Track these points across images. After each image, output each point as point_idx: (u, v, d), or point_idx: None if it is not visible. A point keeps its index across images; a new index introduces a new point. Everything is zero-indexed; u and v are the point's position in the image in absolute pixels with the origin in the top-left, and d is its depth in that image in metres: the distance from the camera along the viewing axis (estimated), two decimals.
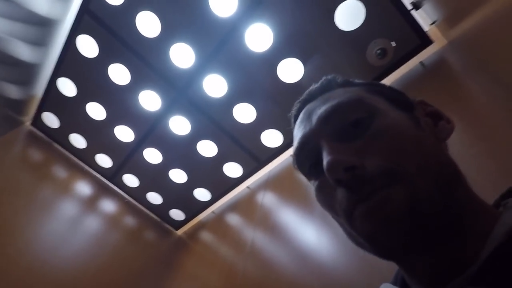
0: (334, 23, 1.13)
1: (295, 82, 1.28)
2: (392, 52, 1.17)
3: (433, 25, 1.12)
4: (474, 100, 0.89)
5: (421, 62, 1.17)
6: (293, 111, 0.43)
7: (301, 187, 1.31)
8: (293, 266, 1.03)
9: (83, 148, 1.77)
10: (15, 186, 1.58)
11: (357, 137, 0.33)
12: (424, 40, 1.13)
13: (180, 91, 1.41)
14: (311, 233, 1.08)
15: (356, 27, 1.14)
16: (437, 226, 0.28)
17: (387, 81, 1.22)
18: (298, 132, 0.38)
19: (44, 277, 1.46)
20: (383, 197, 0.28)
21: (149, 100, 1.47)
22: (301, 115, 0.40)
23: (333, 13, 1.12)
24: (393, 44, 1.15)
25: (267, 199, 1.44)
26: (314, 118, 0.36)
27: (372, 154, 0.31)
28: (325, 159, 0.31)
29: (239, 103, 1.37)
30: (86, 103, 1.56)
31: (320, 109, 0.36)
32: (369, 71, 1.22)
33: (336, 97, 0.37)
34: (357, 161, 0.30)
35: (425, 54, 1.17)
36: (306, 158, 0.37)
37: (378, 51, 1.17)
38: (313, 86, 0.42)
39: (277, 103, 1.35)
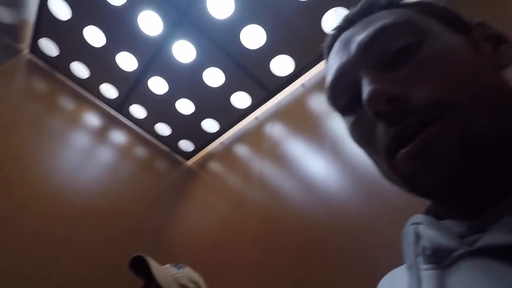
0: None
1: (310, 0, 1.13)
2: None
3: None
4: (509, 14, 0.77)
5: None
6: (327, 41, 0.38)
7: (311, 118, 1.26)
8: (301, 195, 1.05)
9: (87, 78, 1.71)
10: (23, 117, 1.58)
11: (403, 66, 0.29)
12: None
13: (182, 11, 1.28)
14: (319, 163, 1.06)
15: None
16: (491, 164, 0.25)
17: None
18: (333, 63, 0.34)
19: (65, 203, 1.56)
20: (431, 135, 0.25)
21: (150, 23, 1.35)
22: (337, 44, 0.35)
23: None
24: None
25: (276, 130, 1.41)
26: (353, 46, 0.32)
27: (420, 84, 0.27)
28: (366, 89, 0.28)
29: (247, 24, 1.24)
30: (83, 27, 1.45)
31: (360, 36, 0.32)
32: None
33: (379, 20, 0.31)
34: (402, 92, 0.27)
35: None
36: (342, 91, 0.33)
37: None
38: (351, 10, 0.36)
39: (289, 25, 1.22)
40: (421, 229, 0.29)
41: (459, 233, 0.25)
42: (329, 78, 0.34)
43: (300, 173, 1.12)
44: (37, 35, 1.57)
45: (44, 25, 1.51)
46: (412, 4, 0.34)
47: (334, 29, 0.37)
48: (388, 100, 0.26)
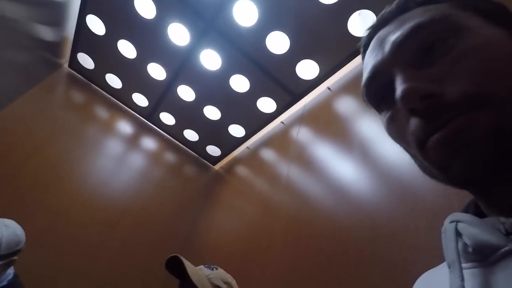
0: None
1: (334, 3, 1.13)
2: None
3: None
4: None
5: None
6: (363, 39, 0.38)
7: (338, 122, 1.26)
8: (330, 199, 1.04)
9: (120, 88, 1.80)
10: (63, 127, 1.69)
11: (438, 61, 0.28)
12: None
13: (209, 21, 1.33)
14: (348, 167, 1.05)
15: None
16: None
17: None
18: (369, 61, 0.35)
19: (102, 206, 1.65)
20: (465, 122, 0.25)
21: (178, 34, 1.41)
22: (372, 43, 0.35)
23: None
24: None
25: (302, 134, 1.42)
26: (387, 45, 0.32)
27: (455, 78, 0.27)
28: (399, 87, 0.28)
29: (272, 31, 1.27)
30: (117, 41, 1.54)
31: (394, 34, 0.32)
32: None
33: (414, 18, 0.31)
34: (436, 89, 0.27)
35: None
36: (378, 89, 0.33)
37: None
38: (387, 9, 0.36)
39: (313, 30, 1.23)
40: (461, 226, 0.29)
41: (504, 229, 0.25)
42: (364, 76, 0.35)
43: (329, 176, 1.12)
44: (75, 50, 1.68)
45: (82, 41, 1.62)
46: None
47: (370, 28, 0.37)
48: (422, 97, 0.26)
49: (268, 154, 1.63)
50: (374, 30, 0.36)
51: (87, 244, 1.54)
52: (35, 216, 1.45)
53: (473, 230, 0.27)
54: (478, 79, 0.26)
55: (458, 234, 0.29)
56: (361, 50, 0.39)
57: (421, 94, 0.27)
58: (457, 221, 0.30)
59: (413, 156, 0.33)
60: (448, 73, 0.27)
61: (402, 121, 0.30)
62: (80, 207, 1.59)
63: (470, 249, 0.26)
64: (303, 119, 1.47)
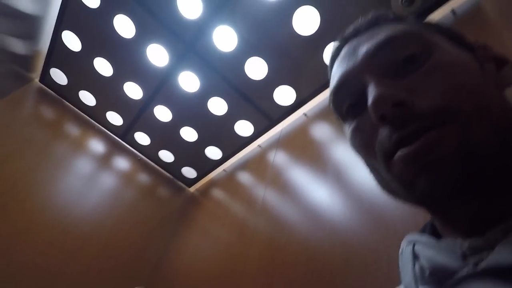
0: None
1: (311, 35, 1.19)
2: (420, 0, 1.05)
3: None
4: None
5: (452, 10, 1.06)
6: (333, 51, 0.39)
7: (314, 147, 1.28)
8: (305, 224, 1.04)
9: (93, 106, 1.75)
10: (30, 143, 1.60)
11: (410, 74, 0.29)
12: None
13: (188, 44, 1.34)
14: (323, 192, 1.06)
15: None
16: (490, 174, 0.25)
17: None
18: (338, 69, 0.35)
19: (64, 231, 1.54)
20: (433, 138, 0.25)
21: (157, 55, 1.41)
22: (343, 52, 0.36)
23: None
24: None
25: (279, 158, 1.43)
26: (361, 53, 0.32)
27: (426, 91, 0.28)
28: (372, 92, 0.28)
29: (251, 57, 1.30)
30: (93, 58, 1.51)
31: (368, 43, 0.32)
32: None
33: (388, 30, 0.33)
34: (408, 98, 0.27)
35: (457, 2, 1.06)
36: (346, 96, 0.33)
37: (404, 0, 1.05)
38: (358, 22, 0.37)
39: (291, 58, 1.27)
40: (418, 248, 0.28)
41: (461, 252, 0.24)
42: (334, 83, 0.35)
43: (304, 201, 1.12)
44: (48, 65, 1.63)
45: (56, 56, 1.57)
46: (419, 21, 0.36)
47: (340, 40, 0.38)
48: (394, 104, 0.27)
49: (244, 177, 1.62)
50: (345, 40, 0.37)
51: (45, 271, 1.42)
52: None
53: (430, 252, 0.27)
54: (448, 94, 0.27)
55: (415, 256, 0.28)
56: (330, 61, 0.39)
57: (393, 100, 0.27)
58: (415, 242, 0.29)
59: (374, 170, 0.33)
60: (419, 86, 0.28)
61: (368, 131, 0.31)
62: (40, 230, 1.47)
63: (427, 272, 0.26)
64: (280, 143, 1.48)
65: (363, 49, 0.32)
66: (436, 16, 1.10)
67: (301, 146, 1.34)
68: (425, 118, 0.26)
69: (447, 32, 0.34)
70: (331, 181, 1.06)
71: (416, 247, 0.29)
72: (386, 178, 0.30)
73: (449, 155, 0.24)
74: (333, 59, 0.38)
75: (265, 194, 1.33)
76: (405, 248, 0.31)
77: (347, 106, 0.34)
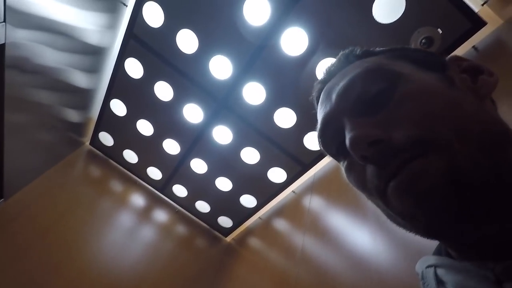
0: (372, 17, 1.09)
1: None
2: (440, 39, 1.09)
3: (485, 4, 1.03)
4: None
5: (473, 47, 1.08)
6: (315, 93, 0.41)
7: (350, 189, 1.26)
8: (349, 272, 1.00)
9: (135, 163, 1.89)
10: (79, 201, 1.73)
11: (380, 109, 0.30)
12: (476, 22, 1.04)
13: (221, 101, 1.45)
14: (365, 236, 1.03)
15: (396, 18, 1.08)
16: (487, 197, 0.23)
17: None
18: (320, 113, 0.36)
19: (110, 284, 1.58)
20: (416, 169, 0.25)
21: (192, 113, 1.53)
22: (321, 95, 0.38)
23: (371, 7, 1.08)
24: (440, 31, 1.08)
25: (314, 202, 1.42)
26: (333, 96, 0.34)
27: (399, 124, 0.28)
28: (347, 136, 0.29)
29: (279, 108, 1.37)
30: (136, 120, 1.67)
31: (338, 86, 0.34)
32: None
33: (353, 70, 0.34)
34: (383, 134, 0.27)
35: (478, 38, 1.08)
36: (331, 138, 0.35)
37: (423, 41, 1.10)
38: (332, 63, 0.39)
39: None
40: (441, 272, 0.26)
41: (494, 277, 0.23)
42: (318, 127, 0.36)
43: (346, 247, 1.08)
44: (97, 130, 1.82)
45: (104, 121, 1.76)
46: (385, 51, 0.37)
47: (319, 82, 0.40)
48: (370, 143, 0.27)
49: (281, 224, 1.61)
50: (322, 83, 0.39)
51: None
52: None
53: (458, 277, 0.25)
54: (421, 122, 0.27)
55: (439, 281, 0.27)
56: (314, 102, 0.41)
57: (368, 140, 0.27)
58: (435, 266, 0.28)
59: (378, 205, 0.32)
60: (391, 119, 0.28)
61: (359, 169, 0.31)
62: (88, 286, 1.53)
63: None
64: (314, 188, 1.48)
65: (335, 93, 0.34)
66: (459, 52, 1.12)
67: (337, 189, 1.33)
68: (405, 150, 0.26)
69: (413, 56, 0.34)
70: (371, 223, 1.03)
71: (439, 272, 0.27)
72: (389, 212, 0.30)
73: (438, 183, 0.24)
74: (317, 100, 0.40)
75: (304, 241, 1.31)
76: (425, 272, 0.29)
77: (336, 147, 0.34)
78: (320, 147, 0.38)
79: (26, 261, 1.44)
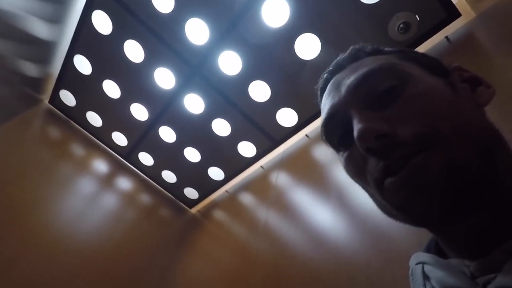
0: None
1: (313, 59, 1.24)
2: (416, 26, 1.11)
3: None
4: (505, 76, 0.84)
5: (446, 37, 1.11)
6: (320, 83, 0.42)
7: (316, 168, 1.30)
8: (308, 246, 1.04)
9: (100, 126, 1.79)
10: (35, 163, 1.62)
11: (389, 106, 0.32)
12: (451, 13, 1.06)
13: (195, 68, 1.39)
14: (326, 213, 1.07)
15: (378, 0, 1.08)
16: (476, 192, 0.26)
17: None
18: (326, 103, 0.38)
19: (66, 250, 1.52)
20: (417, 164, 0.27)
21: (164, 78, 1.46)
22: (329, 86, 0.39)
23: None
24: (417, 17, 1.09)
25: (281, 179, 1.44)
26: (343, 88, 0.35)
27: (405, 121, 0.30)
28: (356, 127, 0.30)
29: (254, 80, 1.35)
30: (102, 81, 1.57)
31: (349, 79, 0.35)
32: (391, 47, 1.17)
33: (366, 65, 0.35)
34: (389, 129, 0.29)
35: (451, 29, 1.11)
36: (335, 129, 0.36)
37: (401, 26, 1.11)
38: (341, 56, 0.41)
39: (293, 81, 1.32)
40: (428, 269, 0.29)
41: (469, 273, 0.26)
42: (323, 116, 0.38)
43: (307, 222, 1.12)
44: (58, 87, 1.68)
45: (66, 79, 1.63)
46: (395, 51, 0.39)
47: (326, 73, 0.41)
48: (377, 137, 0.29)
49: (246, 198, 1.62)
50: (330, 74, 0.40)
51: None
52: None
53: (440, 273, 0.28)
54: (424, 121, 0.29)
55: (425, 277, 0.29)
56: (319, 92, 0.42)
57: (376, 133, 0.29)
58: (423, 263, 0.30)
59: (371, 195, 0.35)
60: (398, 115, 0.30)
61: (359, 160, 0.33)
62: (41, 250, 1.46)
63: None
64: (282, 164, 1.50)
65: (345, 85, 0.35)
66: (432, 42, 1.15)
67: (304, 167, 1.35)
68: (407, 145, 0.28)
69: (422, 60, 0.36)
70: (333, 201, 1.07)
71: (426, 268, 0.30)
72: (383, 202, 0.32)
73: (436, 177, 0.26)
74: (322, 90, 0.41)
75: (268, 215, 1.33)
76: (414, 269, 0.32)
77: (338, 137, 0.36)
78: (322, 136, 0.39)
79: None
